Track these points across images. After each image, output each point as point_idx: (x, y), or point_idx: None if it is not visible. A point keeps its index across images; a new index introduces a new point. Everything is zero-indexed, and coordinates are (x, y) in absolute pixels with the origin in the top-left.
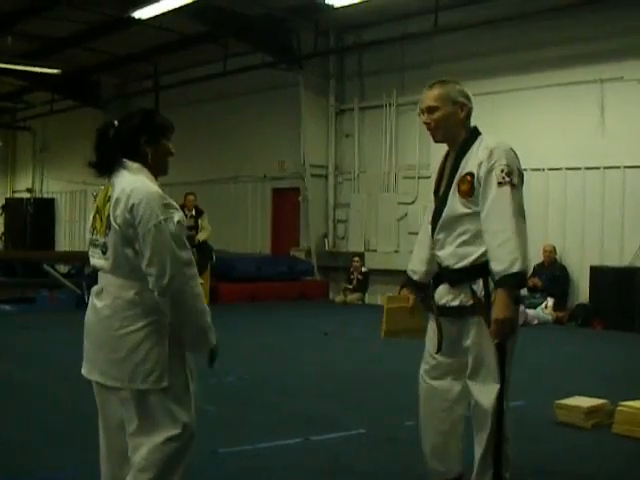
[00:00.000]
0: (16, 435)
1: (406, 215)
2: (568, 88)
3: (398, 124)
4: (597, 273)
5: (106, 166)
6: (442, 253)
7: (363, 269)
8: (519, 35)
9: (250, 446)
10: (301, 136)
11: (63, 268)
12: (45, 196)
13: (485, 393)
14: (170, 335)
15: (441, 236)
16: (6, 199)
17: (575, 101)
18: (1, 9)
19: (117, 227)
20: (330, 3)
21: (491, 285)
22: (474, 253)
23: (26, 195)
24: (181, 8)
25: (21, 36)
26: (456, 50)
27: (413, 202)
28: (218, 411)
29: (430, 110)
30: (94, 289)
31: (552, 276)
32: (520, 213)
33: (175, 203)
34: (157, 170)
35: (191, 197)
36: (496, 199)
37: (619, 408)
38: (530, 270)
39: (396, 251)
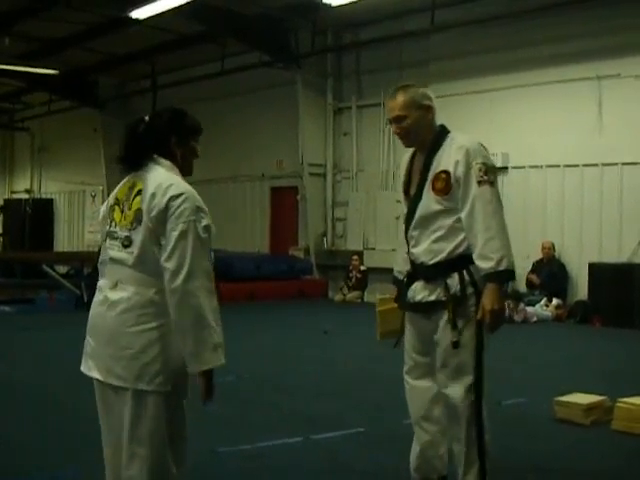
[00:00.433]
0: (16, 435)
1: None
2: (565, 85)
3: None
4: (595, 270)
5: (136, 161)
6: (417, 250)
7: (362, 267)
8: (517, 32)
9: (250, 445)
10: (299, 135)
11: (62, 269)
12: (44, 197)
13: (454, 386)
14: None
15: (415, 233)
16: (4, 200)
17: (573, 98)
18: None
19: (149, 223)
20: (327, 2)
21: (466, 278)
22: (448, 247)
23: (25, 196)
24: (178, 8)
25: (19, 37)
26: (453, 48)
27: None
28: (218, 410)
29: (398, 120)
30: (104, 283)
31: (551, 273)
32: (500, 208)
33: (206, 207)
34: (183, 170)
35: None
36: (477, 198)
37: (618, 404)
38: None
39: (395, 249)
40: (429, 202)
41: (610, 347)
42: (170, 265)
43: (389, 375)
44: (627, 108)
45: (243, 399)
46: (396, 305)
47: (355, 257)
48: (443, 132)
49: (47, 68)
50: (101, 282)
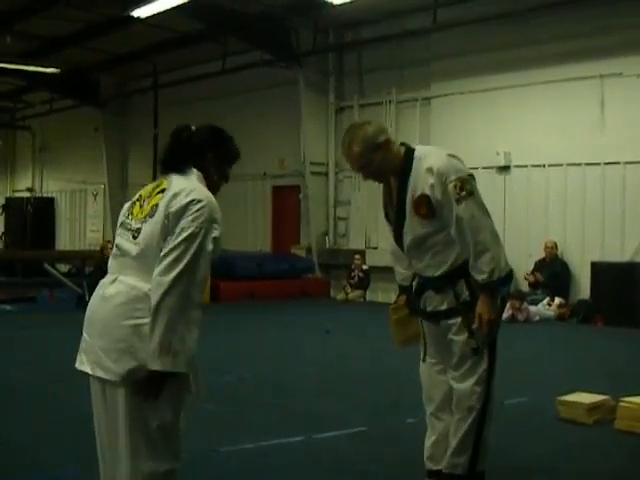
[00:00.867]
0: (15, 434)
1: None
2: (568, 84)
3: (398, 121)
4: (598, 269)
5: (173, 165)
6: (419, 266)
7: (364, 267)
8: (518, 31)
9: (251, 444)
10: (301, 134)
11: (63, 267)
12: (45, 195)
13: (466, 380)
14: None
15: (413, 253)
16: (6, 198)
17: (575, 97)
18: (0, 9)
19: (165, 219)
20: (329, 0)
21: (473, 284)
22: (449, 258)
23: (26, 194)
24: (180, 6)
25: (20, 36)
26: (455, 47)
27: None
28: (219, 410)
29: (361, 169)
30: (106, 278)
31: (553, 272)
32: (485, 217)
33: (220, 219)
34: (209, 188)
35: None
36: (460, 216)
37: (621, 404)
38: (509, 268)
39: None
40: (416, 225)
41: (613, 346)
42: (167, 258)
43: (391, 375)
44: (629, 107)
45: (244, 399)
46: (408, 311)
47: (357, 256)
48: (409, 154)
49: (48, 67)
50: (103, 280)
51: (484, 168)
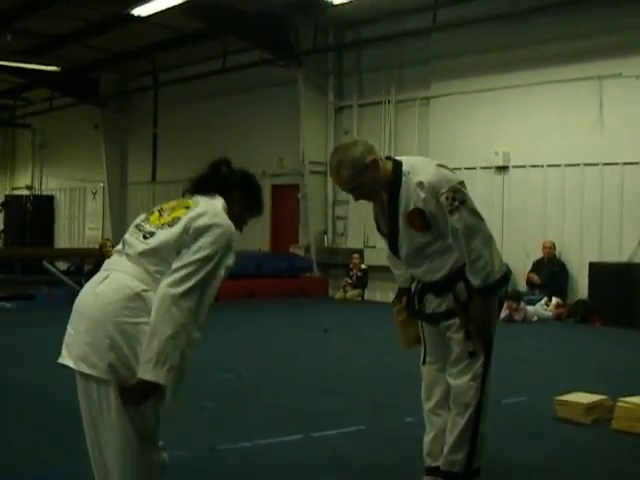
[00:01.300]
0: (14, 433)
1: None
2: (567, 85)
3: (397, 121)
4: (596, 269)
5: (203, 191)
6: (418, 272)
7: (362, 266)
8: (517, 32)
9: (249, 443)
10: (300, 133)
11: (62, 265)
12: (44, 193)
13: (463, 377)
14: None
15: (410, 262)
16: (5, 196)
17: (574, 98)
18: (0, 6)
19: (184, 232)
20: (329, 0)
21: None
22: (448, 263)
23: (25, 192)
24: (180, 5)
25: (20, 33)
26: (455, 47)
27: None
28: (217, 408)
29: (353, 191)
30: (96, 277)
31: (551, 272)
32: (478, 224)
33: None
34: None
35: None
36: (455, 227)
37: (619, 404)
38: (508, 272)
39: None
40: (413, 237)
41: (610, 346)
42: (180, 272)
43: (389, 373)
44: (628, 108)
45: (242, 397)
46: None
47: (356, 255)
48: (397, 168)
49: (48, 65)
50: (95, 277)
51: (482, 168)
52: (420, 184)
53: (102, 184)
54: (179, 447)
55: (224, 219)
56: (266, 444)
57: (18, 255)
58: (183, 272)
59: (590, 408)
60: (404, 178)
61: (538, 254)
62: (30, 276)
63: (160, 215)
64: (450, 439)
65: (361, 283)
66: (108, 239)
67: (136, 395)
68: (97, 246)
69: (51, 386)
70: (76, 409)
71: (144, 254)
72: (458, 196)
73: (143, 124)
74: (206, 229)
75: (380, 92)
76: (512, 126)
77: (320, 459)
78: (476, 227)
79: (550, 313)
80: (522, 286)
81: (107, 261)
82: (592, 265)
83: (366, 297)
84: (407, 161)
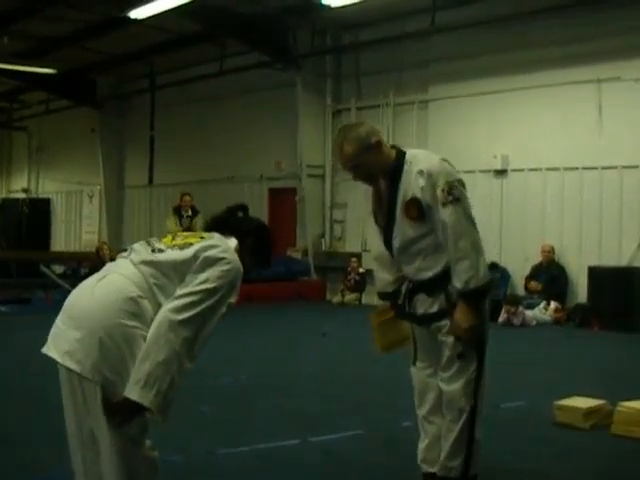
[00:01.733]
0: (14, 435)
1: None
2: (566, 88)
3: (395, 124)
4: (595, 273)
5: (216, 228)
6: (409, 270)
7: (360, 269)
8: (516, 35)
9: (248, 447)
10: (298, 136)
11: (59, 268)
12: (41, 196)
13: (454, 382)
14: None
15: (403, 258)
16: (2, 199)
17: (573, 101)
18: None
19: (193, 257)
20: (327, 3)
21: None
22: (440, 261)
23: (22, 195)
24: (177, 8)
25: (17, 36)
26: (453, 49)
27: None
28: (215, 412)
29: (354, 169)
30: (93, 278)
31: (551, 276)
32: (469, 224)
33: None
34: None
35: (187, 197)
36: (445, 221)
37: (618, 409)
38: (491, 277)
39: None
40: (406, 229)
41: (609, 351)
42: (183, 299)
43: (388, 377)
44: (627, 111)
45: (241, 401)
46: (391, 315)
47: (353, 259)
48: (400, 157)
49: (45, 67)
50: (93, 276)
51: (481, 171)
52: (420, 172)
53: (99, 187)
54: (178, 451)
55: (234, 257)
56: (265, 448)
57: (14, 258)
58: (187, 300)
59: (589, 413)
60: (406, 166)
61: (537, 258)
62: (26, 279)
63: (173, 239)
64: (446, 445)
65: (359, 287)
66: (105, 242)
67: (121, 413)
68: (94, 249)
69: (49, 389)
70: None
71: (147, 264)
72: (455, 192)
73: (140, 127)
74: (215, 261)
75: (378, 95)
76: (511, 129)
77: (318, 463)
78: (467, 230)
79: (549, 317)
80: (520, 290)
81: (109, 263)
82: (591, 269)
83: (364, 301)
84: (411, 151)
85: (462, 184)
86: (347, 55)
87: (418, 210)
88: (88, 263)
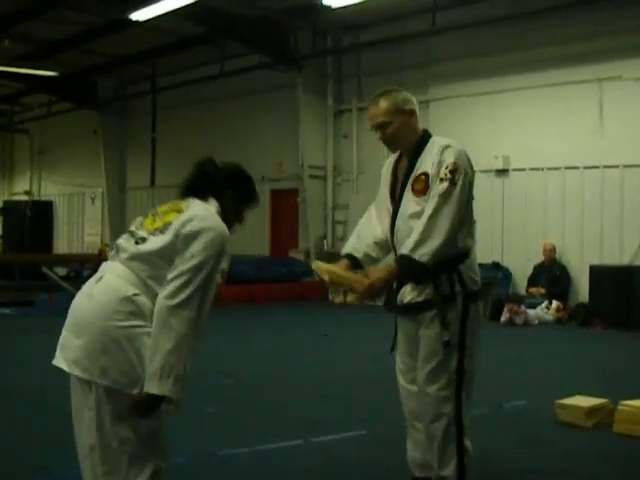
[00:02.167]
0: (15, 437)
1: None
2: (566, 87)
3: None
4: (596, 272)
5: (192, 193)
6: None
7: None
8: (517, 35)
9: (249, 448)
10: (299, 137)
11: (62, 271)
12: (43, 199)
13: (435, 384)
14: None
15: (399, 235)
16: (4, 202)
17: (573, 100)
18: None
19: (175, 237)
20: (327, 4)
21: (455, 278)
22: None
23: (24, 198)
24: (178, 10)
25: (19, 38)
26: (454, 50)
27: None
28: (217, 413)
29: (382, 126)
30: (91, 280)
31: (553, 276)
32: (452, 209)
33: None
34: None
35: None
36: (435, 194)
37: (620, 407)
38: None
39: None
40: (408, 203)
41: (611, 350)
42: (175, 282)
43: (389, 378)
44: (628, 110)
45: (243, 402)
46: (332, 266)
47: None
48: (426, 136)
49: (47, 70)
50: (91, 279)
51: (482, 171)
52: (440, 147)
53: (101, 189)
54: (179, 453)
55: (214, 222)
56: (266, 449)
57: (17, 261)
58: (178, 282)
59: (591, 412)
60: (429, 144)
61: (539, 257)
62: (29, 282)
63: (154, 220)
64: (435, 453)
65: None
66: (107, 244)
67: (143, 408)
68: (96, 251)
69: (50, 389)
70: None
71: (134, 258)
72: (456, 176)
73: (142, 129)
74: (196, 235)
75: None
76: (512, 129)
77: (320, 465)
78: (447, 213)
79: (551, 316)
80: (522, 289)
81: (102, 264)
82: (593, 268)
83: (366, 302)
84: (438, 136)
85: (469, 177)
86: (348, 56)
87: (423, 185)
88: (90, 265)
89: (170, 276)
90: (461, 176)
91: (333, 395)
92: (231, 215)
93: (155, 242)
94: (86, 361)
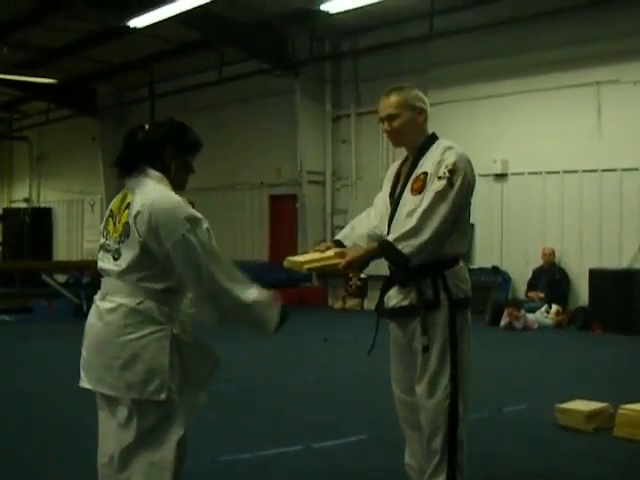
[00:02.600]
0: (15, 445)
1: None
2: (565, 91)
3: None
4: (596, 276)
5: (129, 167)
6: None
7: (362, 275)
8: (515, 39)
9: (250, 454)
10: (298, 143)
11: (61, 277)
12: (42, 206)
13: (431, 398)
14: (174, 348)
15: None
16: (3, 209)
17: (572, 104)
18: None
19: (139, 236)
20: (325, 9)
21: (440, 284)
22: None
23: (23, 205)
24: (176, 16)
25: (17, 46)
26: (452, 54)
27: None
28: (218, 419)
29: (390, 118)
30: (98, 295)
31: (552, 280)
32: (446, 208)
33: (198, 213)
34: (175, 184)
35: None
36: (431, 190)
37: (620, 411)
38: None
39: None
40: (406, 203)
41: (611, 353)
42: (189, 278)
43: (389, 382)
44: (626, 114)
45: (243, 407)
46: (303, 256)
47: None
48: (433, 138)
49: (45, 77)
50: (97, 294)
51: (481, 176)
52: (442, 148)
53: (100, 196)
54: None
55: (162, 201)
56: (267, 455)
57: (16, 268)
58: (188, 279)
59: (591, 416)
60: (434, 144)
61: (538, 261)
62: (28, 289)
63: (114, 223)
64: (428, 467)
65: (361, 293)
66: None
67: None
68: (96, 258)
69: (51, 396)
70: (77, 420)
71: (121, 274)
72: (455, 177)
73: None
74: (156, 226)
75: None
76: (510, 133)
77: (321, 470)
78: (439, 212)
79: (550, 320)
80: (522, 293)
81: (102, 280)
82: (592, 272)
83: (366, 306)
84: (445, 139)
85: (468, 182)
86: (346, 61)
87: (421, 184)
88: (90, 272)
89: (180, 276)
90: (460, 178)
91: (333, 400)
92: (179, 172)
93: (128, 252)
94: (109, 379)
